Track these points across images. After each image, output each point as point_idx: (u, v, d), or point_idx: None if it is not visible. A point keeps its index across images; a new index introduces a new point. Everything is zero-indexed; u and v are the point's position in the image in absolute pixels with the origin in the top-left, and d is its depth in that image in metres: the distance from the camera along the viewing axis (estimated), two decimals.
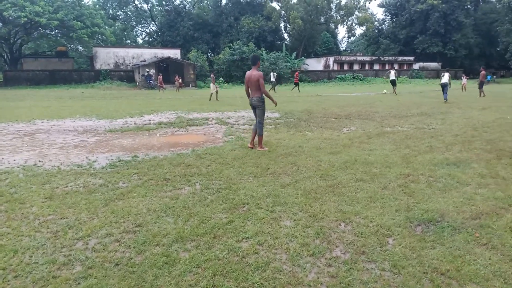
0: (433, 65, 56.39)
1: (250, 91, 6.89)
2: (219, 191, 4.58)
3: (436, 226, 3.57)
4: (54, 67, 38.09)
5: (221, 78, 39.85)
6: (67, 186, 4.78)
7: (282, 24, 58.95)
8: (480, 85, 21.62)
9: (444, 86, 17.98)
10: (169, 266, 2.88)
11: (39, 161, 6.20)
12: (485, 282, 2.66)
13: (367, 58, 54.98)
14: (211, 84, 20.51)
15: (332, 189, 4.63)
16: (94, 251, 3.12)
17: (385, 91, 22.44)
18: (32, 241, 3.29)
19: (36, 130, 9.51)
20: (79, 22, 34.91)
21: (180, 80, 31.24)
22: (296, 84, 28.72)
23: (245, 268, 2.85)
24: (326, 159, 6.15)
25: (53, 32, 38.88)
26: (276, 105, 7.07)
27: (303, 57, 52.02)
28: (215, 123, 10.68)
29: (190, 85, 35.41)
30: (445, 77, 18.29)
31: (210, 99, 19.80)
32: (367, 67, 53.34)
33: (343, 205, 4.09)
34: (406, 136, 8.25)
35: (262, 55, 43.31)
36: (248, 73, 6.78)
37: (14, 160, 6.24)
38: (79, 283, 2.66)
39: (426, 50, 56.41)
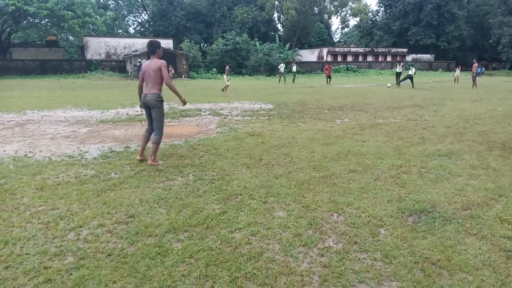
0: (426, 57, 56.58)
1: (145, 86, 5.30)
2: (212, 182, 4.57)
3: (427, 216, 3.60)
4: (45, 56, 37.47)
5: (214, 69, 39.58)
6: (58, 177, 4.73)
7: (275, 15, 58.54)
8: (474, 77, 21.88)
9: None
10: (161, 256, 2.87)
11: (30, 151, 6.12)
12: (475, 271, 2.69)
13: (361, 50, 54.95)
14: (225, 76, 19.76)
15: (325, 180, 4.64)
16: (86, 242, 3.10)
17: (389, 84, 22.42)
18: (23, 232, 3.26)
19: (27, 121, 9.38)
20: (69, 12, 34.26)
21: (173, 71, 30.93)
22: (329, 77, 27.31)
23: (238, 258, 2.85)
24: (319, 150, 6.16)
25: (43, 22, 38.15)
26: (183, 105, 5.62)
27: (296, 48, 51.80)
28: (208, 114, 10.62)
29: (183, 75, 35.13)
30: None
31: (224, 90, 19.14)
32: (360, 59, 53.34)
33: (335, 196, 4.11)
34: (398, 128, 8.29)
35: (256, 46, 43.04)
36: (145, 63, 5.24)
37: (4, 151, 6.15)
38: (71, 274, 2.65)
39: (419, 42, 56.53)
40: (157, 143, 5.35)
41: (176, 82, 28.63)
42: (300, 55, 51.27)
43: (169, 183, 4.55)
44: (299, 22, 52.48)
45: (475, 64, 22.47)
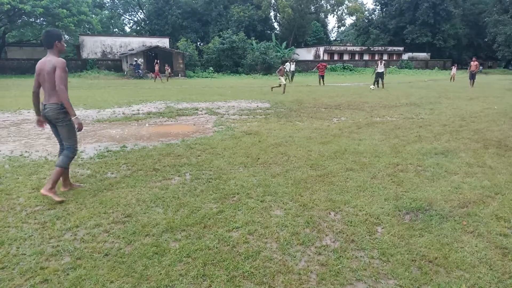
0: (422, 55, 56.76)
1: (43, 93, 4.04)
2: (209, 181, 4.57)
3: (424, 214, 3.61)
4: (40, 56, 37.02)
5: (211, 68, 39.50)
6: None
7: (272, 13, 58.49)
8: (474, 76, 21.37)
9: (380, 75, 20.15)
10: (159, 256, 2.86)
11: (26, 151, 6.09)
12: (472, 269, 2.71)
13: (357, 48, 55.05)
14: (281, 77, 17.59)
15: (322, 178, 4.65)
16: (83, 241, 3.09)
17: (372, 87, 19.96)
18: (19, 232, 3.24)
19: (22, 120, 9.32)
20: (65, 10, 34.05)
21: (169, 70, 30.85)
22: (322, 77, 24.48)
23: (235, 257, 2.85)
24: (316, 149, 6.17)
25: (38, 20, 37.90)
26: (78, 129, 4.06)
27: (293, 47, 51.83)
28: (205, 113, 10.60)
29: (180, 74, 35.05)
30: (380, 67, 20.13)
31: (284, 92, 17.19)
32: (357, 57, 53.45)
33: (333, 195, 4.11)
34: (395, 126, 8.31)
35: (252, 45, 42.98)
36: (40, 61, 4.00)
37: (0, 151, 6.11)
38: (67, 274, 2.64)
39: (415, 41, 56.68)
40: (62, 166, 3.99)
41: (172, 81, 28.62)
42: (297, 54, 51.30)
43: (166, 183, 4.54)
44: (295, 20, 52.47)
45: (475, 63, 21.41)
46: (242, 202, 3.91)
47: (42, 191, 3.89)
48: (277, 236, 3.18)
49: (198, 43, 53.60)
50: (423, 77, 35.26)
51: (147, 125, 8.75)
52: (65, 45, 4.09)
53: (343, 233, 3.24)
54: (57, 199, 3.87)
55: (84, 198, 4.00)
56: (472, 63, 21.67)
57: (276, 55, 42.86)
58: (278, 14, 56.39)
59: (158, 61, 30.43)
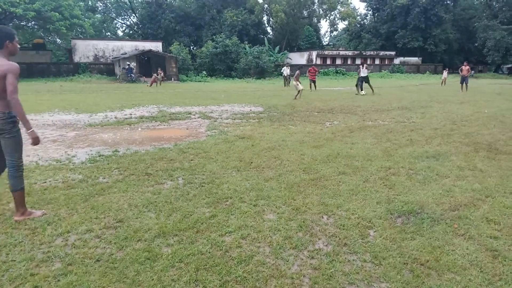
0: (414, 59, 57.33)
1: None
2: (202, 186, 4.56)
3: (416, 217, 3.64)
4: (31, 59, 36.90)
5: (204, 72, 39.48)
6: (45, 182, 4.66)
7: (265, 18, 58.73)
8: (466, 80, 21.38)
9: (364, 80, 19.16)
10: (151, 261, 2.84)
11: None
12: (463, 271, 2.73)
13: (350, 53, 55.44)
14: (295, 82, 17.19)
15: (315, 182, 4.66)
16: (74, 247, 3.06)
17: (362, 92, 18.75)
18: (8, 238, 3.20)
19: None
20: (57, 14, 33.88)
21: (162, 74, 30.77)
22: (313, 82, 23.39)
23: (228, 262, 2.84)
24: (309, 152, 6.19)
25: (30, 24, 37.64)
26: (34, 143, 3.71)
27: (286, 51, 52.05)
28: (198, 117, 10.59)
29: (172, 78, 34.97)
30: (363, 71, 19.35)
31: (300, 96, 16.85)
32: (349, 62, 53.80)
33: (325, 198, 4.12)
34: (387, 130, 8.38)
35: (246, 49, 43.09)
36: None
37: None
38: (58, 280, 2.61)
39: (407, 45, 57.27)
40: (19, 188, 3.56)
41: (165, 85, 28.55)
42: (290, 58, 51.52)
43: (158, 187, 4.51)
44: (288, 25, 52.74)
45: (467, 67, 21.44)
46: (235, 207, 3.90)
47: (16, 218, 3.54)
48: (270, 240, 3.18)
49: (191, 47, 53.62)
50: (415, 81, 35.62)
51: (139, 129, 8.71)
52: (19, 46, 3.67)
53: (336, 237, 3.25)
54: (39, 213, 3.63)
55: (75, 203, 3.96)
56: (463, 67, 21.81)
57: (269, 59, 43.00)
58: (271, 18, 56.63)
59: (160, 69, 30.78)
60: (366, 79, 19.59)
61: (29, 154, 6.15)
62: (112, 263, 2.81)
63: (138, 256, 2.91)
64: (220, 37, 41.93)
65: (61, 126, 9.03)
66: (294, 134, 7.96)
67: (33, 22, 36.71)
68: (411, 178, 4.84)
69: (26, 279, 2.62)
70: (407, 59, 56.83)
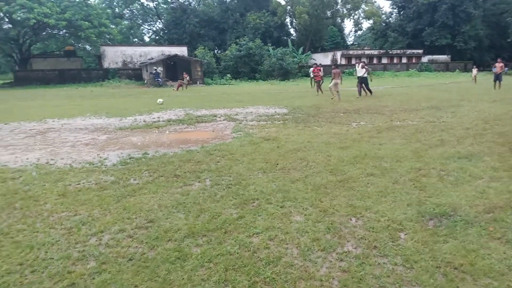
0: (442, 57, 55.60)
1: None
2: (229, 187, 4.60)
3: (448, 220, 3.54)
4: (63, 66, 38.40)
5: (228, 75, 39.81)
6: (79, 183, 4.85)
7: (288, 19, 58.60)
8: (499, 77, 20.55)
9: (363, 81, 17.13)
10: (181, 261, 2.90)
11: (51, 159, 6.28)
12: (500, 276, 2.63)
13: (375, 52, 54.45)
14: (335, 82, 15.69)
15: (342, 184, 4.61)
16: (108, 246, 3.17)
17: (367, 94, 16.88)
18: (47, 237, 3.35)
19: (48, 129, 9.63)
20: (86, 22, 35.10)
21: (187, 77, 31.27)
22: (319, 83, 21.27)
23: (256, 262, 2.86)
24: (335, 154, 6.12)
25: (61, 32, 39.19)
26: None
27: (309, 52, 51.70)
28: (224, 120, 10.69)
29: (198, 82, 35.45)
30: (360, 70, 17.03)
31: (334, 98, 15.61)
32: (375, 61, 52.84)
33: (353, 200, 4.07)
34: (416, 130, 8.17)
35: (269, 51, 43.15)
36: None
37: (27, 159, 6.33)
38: (93, 278, 2.71)
39: (434, 43, 55.61)
40: None
41: (191, 88, 28.98)
42: (314, 59, 51.10)
43: (186, 188, 4.60)
44: (311, 26, 52.39)
45: (501, 64, 20.39)
46: (262, 208, 3.92)
47: None
48: (298, 242, 3.18)
49: (216, 50, 54.19)
50: (444, 80, 34.54)
51: (167, 132, 8.89)
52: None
53: (365, 239, 3.20)
54: None
55: (108, 204, 4.10)
56: (497, 64, 20.95)
57: (293, 61, 42.83)
58: (294, 20, 56.41)
59: (186, 73, 31.38)
60: (363, 80, 17.35)
61: (63, 157, 6.40)
62: (144, 262, 2.89)
63: (168, 255, 2.97)
64: (244, 40, 42.17)
65: (93, 130, 9.35)
66: (319, 135, 7.90)
67: (64, 31, 38.19)
68: (442, 180, 4.70)
69: (63, 276, 2.74)
70: (435, 57, 55.18)
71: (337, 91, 15.70)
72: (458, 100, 14.87)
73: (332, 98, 15.48)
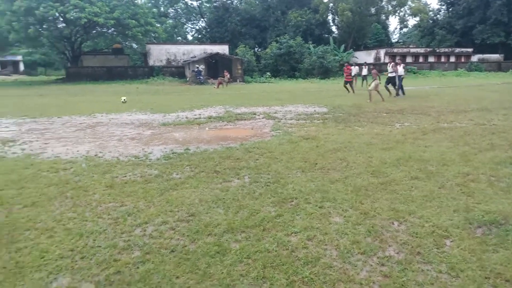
0: (494, 57, 52.21)
1: None
2: (267, 185, 4.63)
3: (499, 229, 3.34)
4: (111, 63, 40.29)
5: (268, 73, 39.88)
6: (125, 176, 5.08)
7: (330, 17, 57.63)
8: None
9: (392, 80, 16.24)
10: (220, 255, 2.97)
11: (100, 152, 6.62)
12: None
13: (421, 50, 52.20)
14: (373, 82, 14.94)
15: (384, 186, 4.49)
16: (151, 237, 3.30)
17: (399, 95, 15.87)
18: (95, 226, 3.54)
19: (96, 123, 10.16)
20: (133, 21, 36.51)
21: (228, 75, 31.71)
22: (349, 82, 19.89)
23: (294, 262, 2.86)
24: (377, 155, 5.96)
25: (110, 31, 41.06)
26: None
27: (351, 50, 50.54)
28: (263, 118, 10.73)
29: (238, 80, 35.82)
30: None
31: (370, 100, 14.66)
32: (421, 60, 50.69)
33: (396, 204, 3.95)
34: (464, 133, 7.76)
35: (310, 49, 42.72)
36: None
37: (78, 151, 6.72)
38: (137, 267, 2.83)
39: (486, 41, 52.35)
40: None
41: (231, 86, 29.34)
42: (356, 57, 49.93)
43: (226, 185, 4.68)
44: (354, 23, 51.16)
45: None
46: (300, 207, 3.90)
47: None
48: (337, 244, 3.14)
49: (256, 49, 54.45)
50: (496, 80, 32.46)
51: (207, 128, 9.07)
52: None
53: (408, 245, 3.10)
54: None
55: (152, 196, 4.26)
56: None
57: (334, 59, 42.11)
58: (336, 17, 55.40)
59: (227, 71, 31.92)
60: (394, 80, 16.78)
61: (111, 150, 6.73)
62: (186, 254, 2.98)
63: (208, 249, 3.05)
64: (284, 38, 42.03)
65: (138, 125, 9.74)
66: (361, 135, 7.72)
67: (112, 29, 39.99)
68: (492, 186, 4.44)
69: (110, 264, 2.89)
70: (486, 56, 51.93)
71: (378, 91, 15.13)
72: (511, 102, 13.93)
73: (368, 101, 14.67)
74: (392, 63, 16.84)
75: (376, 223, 3.51)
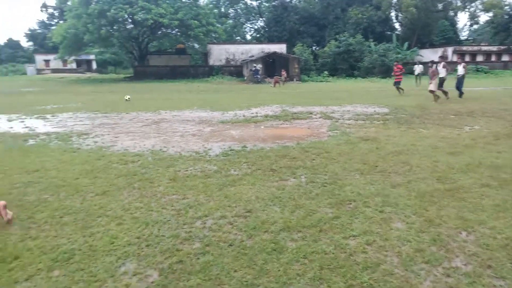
0: None
1: None
2: (324, 186, 4.57)
3: None
4: (174, 63, 42.25)
5: (325, 72, 39.22)
6: (187, 170, 5.31)
7: (393, 13, 55.13)
8: None
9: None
10: (277, 253, 2.99)
11: (164, 146, 6.99)
12: None
13: (494, 48, 48.01)
14: (432, 82, 13.94)
15: (451, 193, 4.21)
16: (211, 230, 3.42)
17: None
18: (159, 216, 3.75)
19: (161, 119, 10.72)
20: (196, 21, 37.91)
21: (285, 74, 31.73)
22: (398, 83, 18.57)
23: (353, 266, 2.80)
24: (444, 160, 5.61)
25: (173, 31, 43.05)
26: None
27: (416, 48, 47.89)
28: (319, 117, 10.59)
29: (294, 79, 35.67)
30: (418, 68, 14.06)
31: (435, 101, 13.83)
32: (493, 58, 46.65)
33: (464, 212, 3.69)
34: None
35: (370, 47, 41.27)
36: None
37: (144, 145, 7.16)
38: (198, 258, 2.95)
39: None
40: None
41: (287, 85, 29.32)
42: (421, 55, 47.26)
43: (282, 183, 4.70)
44: (419, 20, 48.40)
45: None
46: (359, 210, 3.81)
47: None
48: (399, 251, 3.01)
49: (314, 47, 53.79)
50: None
51: (262, 127, 9.16)
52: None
53: (477, 257, 2.89)
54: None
55: (211, 191, 4.42)
56: None
57: (397, 57, 40.24)
58: (399, 14, 52.85)
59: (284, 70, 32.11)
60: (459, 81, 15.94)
61: (174, 145, 7.08)
62: (243, 249, 3.06)
63: (265, 246, 3.09)
64: (344, 36, 41.05)
65: (198, 122, 10.12)
66: (425, 138, 7.32)
67: (176, 30, 41.88)
68: None
69: (173, 253, 3.04)
70: None
71: (440, 90, 14.18)
72: None
73: (434, 101, 13.84)
74: (443, 62, 15.69)
75: (442, 231, 3.31)
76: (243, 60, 39.81)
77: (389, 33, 52.97)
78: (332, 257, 2.93)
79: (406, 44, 46.74)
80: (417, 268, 2.76)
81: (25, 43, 77.68)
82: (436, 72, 14.23)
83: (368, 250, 3.03)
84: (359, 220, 3.58)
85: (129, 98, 16.59)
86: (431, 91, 14.07)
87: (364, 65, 39.20)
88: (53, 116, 11.76)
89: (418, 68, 26.18)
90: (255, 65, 34.93)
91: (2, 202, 3.66)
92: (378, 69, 38.65)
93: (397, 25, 57.27)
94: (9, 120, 10.90)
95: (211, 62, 41.98)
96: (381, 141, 7.08)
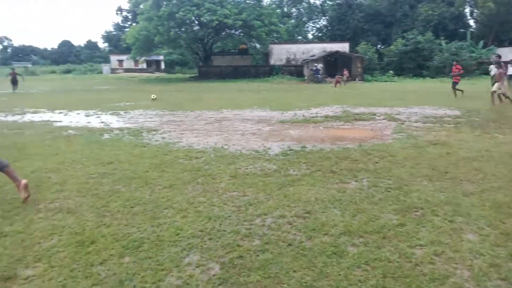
0: None
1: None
2: (388, 191, 4.39)
3: None
4: (237, 63, 43.25)
5: (390, 71, 37.52)
6: (247, 168, 5.42)
7: (467, 9, 51.09)
8: None
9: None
10: (337, 257, 2.94)
11: (225, 144, 7.20)
12: None
13: None
14: (497, 84, 12.98)
15: None
16: (270, 229, 3.46)
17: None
18: (221, 211, 3.88)
19: (223, 118, 11.05)
20: (258, 22, 38.40)
21: (347, 74, 30.94)
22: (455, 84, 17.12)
23: (419, 276, 2.66)
24: None
25: (237, 32, 44.06)
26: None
27: (493, 46, 43.83)
28: (383, 119, 10.18)
29: (357, 78, 34.61)
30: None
31: (500, 101, 13.03)
32: None
33: None
34: None
35: (441, 45, 38.67)
36: None
37: (207, 142, 7.43)
38: (258, 255, 3.00)
39: None
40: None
41: (349, 85, 28.57)
42: (498, 54, 43.20)
43: (343, 186, 4.60)
44: (498, 16, 44.23)
45: None
46: (426, 219, 3.60)
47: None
48: (470, 264, 2.80)
49: (379, 46, 51.72)
50: None
51: (321, 128, 9.03)
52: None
53: None
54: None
55: (271, 190, 4.46)
56: None
57: (471, 56, 37.27)
58: (475, 10, 48.81)
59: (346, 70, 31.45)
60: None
61: (235, 143, 7.26)
62: (302, 250, 3.05)
63: (325, 249, 3.05)
64: (412, 34, 38.92)
65: (258, 121, 10.27)
66: (502, 144, 6.70)
67: (239, 30, 42.81)
68: None
69: (233, 248, 3.13)
70: None
71: (504, 95, 12.91)
72: None
73: (494, 105, 12.73)
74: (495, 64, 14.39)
75: None
76: (304, 60, 39.50)
77: (463, 30, 49.13)
78: (397, 265, 2.81)
79: (481, 43, 43.02)
80: (491, 284, 2.54)
81: (102, 44, 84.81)
82: (503, 73, 13.16)
83: (436, 261, 2.86)
84: (427, 229, 3.39)
85: (155, 97, 17.21)
86: (503, 95, 12.87)
87: (434, 65, 36.86)
88: (125, 112, 12.68)
89: (494, 69, 23.96)
90: (315, 64, 34.48)
91: (24, 181, 4.02)
92: (449, 69, 35.99)
93: (471, 22, 53.00)
94: (87, 116, 11.97)
95: (272, 62, 42.25)
96: (452, 145, 6.62)
